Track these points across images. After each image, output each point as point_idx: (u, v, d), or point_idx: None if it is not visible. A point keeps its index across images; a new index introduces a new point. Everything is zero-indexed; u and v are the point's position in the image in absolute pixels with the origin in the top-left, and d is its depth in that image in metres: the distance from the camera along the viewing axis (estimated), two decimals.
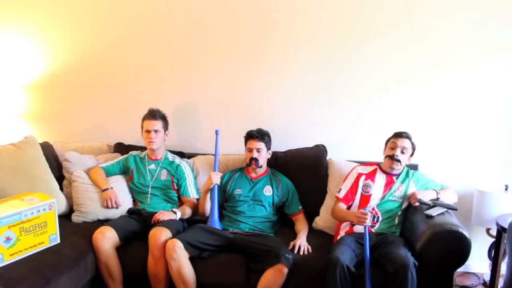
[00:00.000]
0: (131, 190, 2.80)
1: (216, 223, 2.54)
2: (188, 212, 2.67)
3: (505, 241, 2.44)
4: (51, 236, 2.20)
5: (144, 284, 2.34)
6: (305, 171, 2.78)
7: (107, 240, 2.33)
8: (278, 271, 2.16)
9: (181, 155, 2.93)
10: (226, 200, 2.69)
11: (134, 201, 2.79)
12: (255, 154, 2.60)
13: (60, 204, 2.64)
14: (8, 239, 1.98)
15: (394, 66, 2.91)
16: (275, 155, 2.82)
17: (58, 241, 2.24)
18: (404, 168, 2.55)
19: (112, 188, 2.68)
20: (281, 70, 3.02)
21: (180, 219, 2.58)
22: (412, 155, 2.53)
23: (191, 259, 2.27)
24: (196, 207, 2.72)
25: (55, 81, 3.23)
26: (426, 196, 2.43)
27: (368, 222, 2.22)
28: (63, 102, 3.27)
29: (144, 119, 2.75)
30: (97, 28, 3.14)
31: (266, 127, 2.71)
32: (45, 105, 3.28)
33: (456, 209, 2.38)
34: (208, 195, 2.61)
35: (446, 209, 2.34)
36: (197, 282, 2.29)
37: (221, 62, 3.07)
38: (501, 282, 2.54)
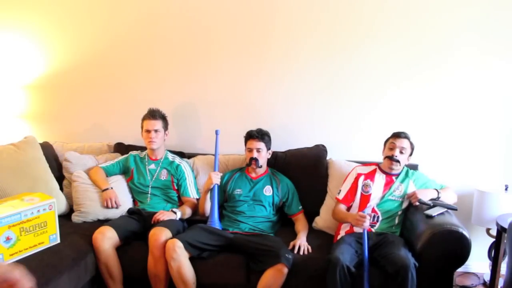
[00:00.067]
0: (131, 190, 2.80)
1: (216, 223, 2.54)
2: (188, 212, 2.66)
3: (505, 241, 2.44)
4: (51, 236, 2.20)
5: (144, 284, 2.34)
6: (305, 171, 2.78)
7: (107, 240, 2.33)
8: (278, 271, 2.16)
9: (181, 155, 2.93)
10: (226, 200, 2.69)
11: (134, 201, 2.79)
12: (255, 154, 2.60)
13: (60, 204, 2.64)
14: (8, 239, 1.98)
15: (394, 66, 2.91)
16: (275, 155, 2.82)
17: (58, 241, 2.24)
18: (403, 168, 2.55)
19: (112, 188, 2.68)
20: (281, 70, 3.02)
21: (180, 219, 2.58)
22: (411, 155, 2.53)
23: (191, 259, 2.27)
24: (196, 207, 2.72)
25: (55, 81, 3.23)
26: (427, 195, 2.43)
27: (367, 225, 2.22)
28: (63, 102, 3.27)
29: (144, 119, 2.75)
30: (97, 28, 3.14)
31: (266, 127, 2.71)
32: (45, 105, 3.28)
33: (456, 209, 2.38)
34: (208, 195, 2.61)
35: (446, 209, 2.34)
36: (197, 282, 2.29)
37: (221, 62, 3.07)
38: (501, 282, 2.54)
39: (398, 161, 2.46)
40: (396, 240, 2.29)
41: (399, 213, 2.47)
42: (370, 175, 2.53)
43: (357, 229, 2.40)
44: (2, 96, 3.17)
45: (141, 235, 2.43)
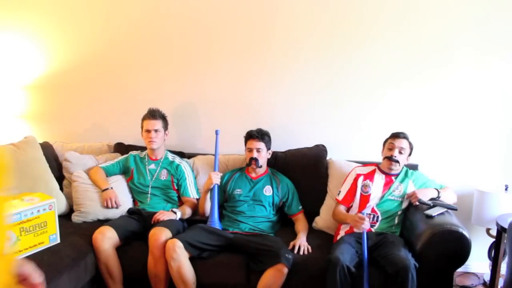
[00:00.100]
0: (131, 190, 2.80)
1: (216, 223, 2.54)
2: (188, 212, 2.66)
3: (505, 241, 2.44)
4: (51, 236, 2.20)
5: (144, 284, 2.34)
6: (305, 171, 2.78)
7: (107, 240, 2.33)
8: (278, 271, 2.16)
9: (181, 155, 2.93)
10: (226, 200, 2.69)
11: (134, 201, 2.79)
12: (255, 154, 2.60)
13: (60, 204, 2.64)
14: None
15: (394, 66, 2.91)
16: (275, 155, 2.81)
17: (58, 241, 2.24)
18: (403, 168, 2.55)
19: (112, 188, 2.68)
20: (281, 70, 3.02)
21: (180, 219, 2.58)
22: (410, 155, 2.53)
23: (191, 259, 2.27)
24: (196, 207, 2.72)
25: (55, 81, 3.23)
26: (427, 195, 2.43)
27: (365, 226, 2.23)
28: (63, 102, 3.26)
29: (144, 119, 2.75)
30: (97, 28, 3.14)
31: (266, 127, 2.71)
32: (45, 105, 3.27)
33: (456, 209, 2.38)
34: (208, 195, 2.61)
35: (446, 209, 2.35)
36: (197, 282, 2.29)
37: (221, 62, 3.06)
38: (501, 282, 2.54)
39: (397, 161, 2.46)
40: (396, 240, 2.29)
41: (399, 213, 2.47)
42: (370, 176, 2.53)
43: (357, 229, 2.40)
44: (2, 96, 3.17)
45: (141, 235, 2.43)
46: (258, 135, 2.61)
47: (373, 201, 2.47)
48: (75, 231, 2.43)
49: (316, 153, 2.84)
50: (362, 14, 2.89)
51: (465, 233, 2.10)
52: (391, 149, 2.48)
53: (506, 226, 2.25)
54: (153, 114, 2.72)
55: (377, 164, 2.59)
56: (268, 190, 2.64)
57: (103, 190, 2.65)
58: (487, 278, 2.85)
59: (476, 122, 2.90)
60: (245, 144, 2.67)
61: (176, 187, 2.75)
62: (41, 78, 3.24)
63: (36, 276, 1.05)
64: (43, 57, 3.21)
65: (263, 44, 3.01)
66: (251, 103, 3.07)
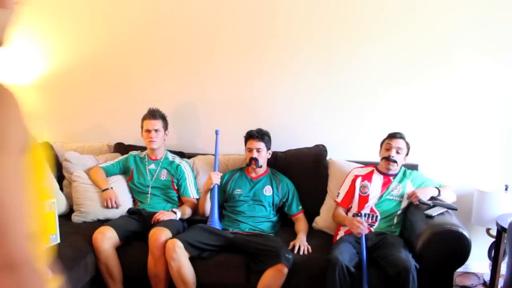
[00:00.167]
0: (131, 190, 2.80)
1: (216, 223, 2.54)
2: (188, 212, 2.66)
3: (505, 241, 2.44)
4: (51, 236, 2.19)
5: (144, 284, 2.34)
6: (305, 171, 2.78)
7: (107, 240, 2.33)
8: (278, 271, 2.16)
9: (181, 155, 2.93)
10: (226, 200, 2.69)
11: (134, 201, 2.79)
12: (255, 154, 2.60)
13: (60, 204, 2.64)
14: None
15: (394, 66, 2.91)
16: (275, 155, 2.81)
17: (58, 241, 2.23)
18: (401, 168, 2.57)
19: (112, 188, 2.68)
20: (281, 70, 3.02)
21: (180, 219, 2.58)
22: (407, 154, 2.54)
23: (191, 259, 2.27)
24: (196, 207, 2.72)
25: (55, 81, 3.22)
26: (427, 194, 2.44)
27: (361, 231, 2.23)
28: (63, 102, 3.26)
29: (144, 118, 2.75)
30: (97, 28, 3.14)
31: (266, 127, 2.71)
32: (45, 105, 3.27)
33: (456, 209, 2.38)
34: (208, 195, 2.61)
35: (446, 209, 2.35)
36: (197, 282, 2.29)
37: (221, 62, 3.06)
38: (501, 282, 2.54)
39: (395, 161, 2.47)
40: (396, 241, 2.29)
41: (398, 212, 2.48)
42: (368, 176, 2.55)
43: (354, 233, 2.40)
44: None
45: (141, 235, 2.43)
46: (258, 135, 2.61)
47: (371, 201, 2.48)
48: (75, 231, 2.43)
49: (316, 153, 2.84)
50: (362, 14, 2.89)
51: (465, 233, 2.10)
52: (388, 150, 2.49)
53: (506, 226, 2.25)
54: (153, 114, 2.72)
55: (375, 165, 2.60)
56: (268, 190, 2.64)
57: (103, 190, 2.65)
58: (487, 278, 2.85)
59: (476, 122, 2.90)
60: (245, 144, 2.67)
61: (176, 187, 2.75)
62: (41, 78, 3.23)
63: (47, 271, 1.07)
64: (43, 57, 3.21)
65: (263, 44, 3.01)
66: (251, 103, 3.07)
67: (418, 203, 2.40)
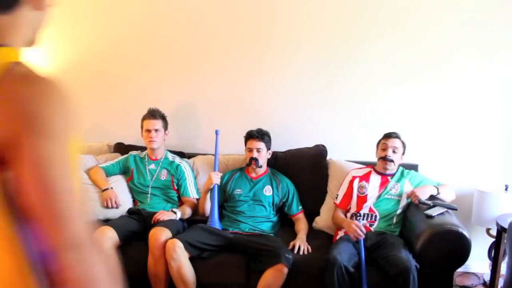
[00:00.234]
0: (131, 190, 2.80)
1: (216, 223, 2.54)
2: (188, 212, 2.67)
3: (505, 241, 2.44)
4: None
5: (144, 284, 2.34)
6: (305, 171, 2.78)
7: (107, 240, 2.33)
8: (278, 271, 2.16)
9: (181, 155, 2.93)
10: (226, 200, 2.69)
11: (134, 201, 2.79)
12: (255, 154, 2.60)
13: None
14: None
15: (394, 66, 2.91)
16: (275, 155, 2.81)
17: None
18: (398, 168, 2.58)
19: (112, 188, 2.68)
20: (281, 70, 3.02)
21: (180, 219, 2.58)
22: (403, 153, 2.55)
23: (191, 259, 2.27)
24: (196, 207, 2.72)
25: None
26: (426, 193, 2.45)
27: (358, 235, 2.23)
28: None
29: (144, 118, 2.75)
30: (97, 28, 3.14)
31: (266, 127, 2.71)
32: None
33: (456, 209, 2.38)
34: (208, 195, 2.61)
35: (446, 209, 2.35)
36: (197, 282, 2.29)
37: (221, 62, 3.06)
38: (501, 282, 2.54)
39: (392, 161, 2.48)
40: (396, 241, 2.29)
41: (397, 212, 2.48)
42: (365, 177, 2.56)
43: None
44: None
45: (141, 235, 2.43)
46: (258, 135, 2.61)
47: (370, 201, 2.49)
48: None
49: (316, 153, 2.84)
50: (362, 14, 2.89)
51: (465, 233, 2.10)
52: (384, 149, 2.50)
53: (506, 226, 2.25)
54: (153, 114, 2.72)
55: (372, 166, 2.61)
56: (268, 190, 2.64)
57: (103, 190, 2.65)
58: (487, 278, 2.85)
59: (476, 122, 2.90)
60: (245, 144, 2.67)
61: (176, 187, 2.75)
62: None
63: None
64: (43, 57, 3.21)
65: (263, 44, 3.01)
66: (251, 103, 3.07)
67: (418, 202, 2.40)
